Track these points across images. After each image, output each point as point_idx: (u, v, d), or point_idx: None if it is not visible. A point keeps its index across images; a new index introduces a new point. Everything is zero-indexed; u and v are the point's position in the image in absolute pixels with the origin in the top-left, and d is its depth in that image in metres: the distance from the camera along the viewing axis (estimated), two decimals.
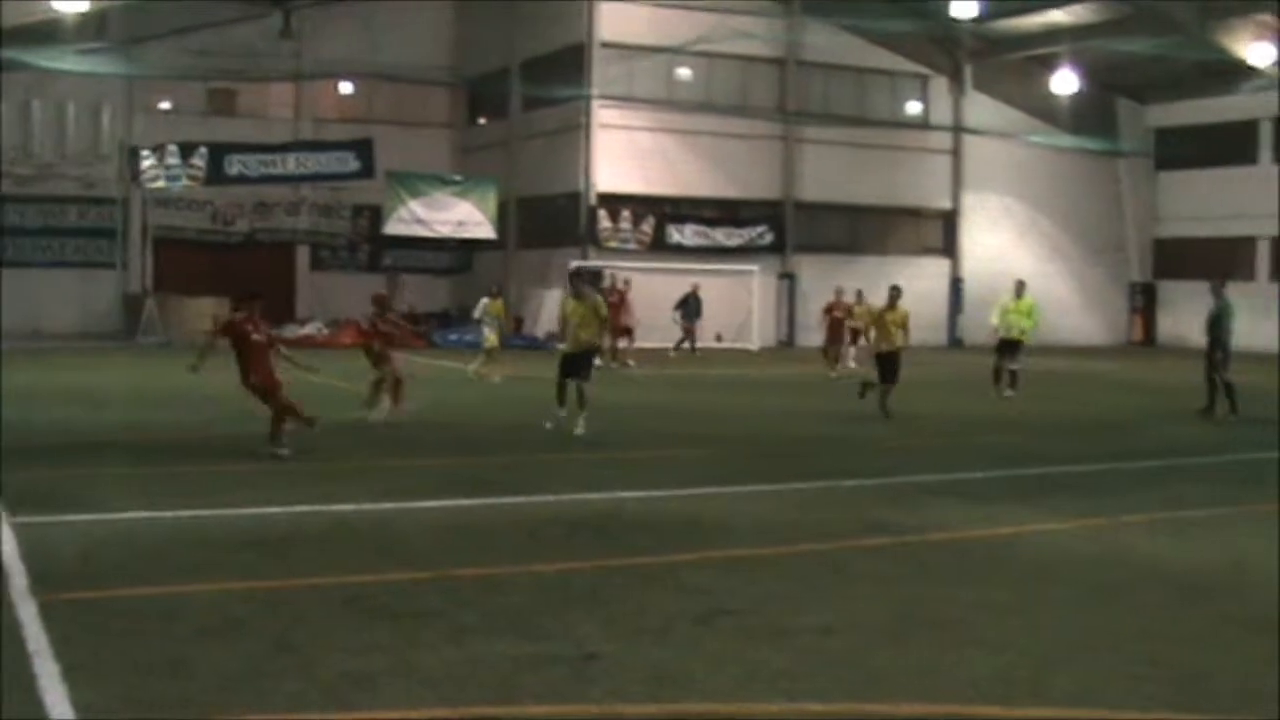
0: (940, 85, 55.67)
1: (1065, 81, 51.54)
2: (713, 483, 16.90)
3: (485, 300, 34.16)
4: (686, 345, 43.81)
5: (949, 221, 55.99)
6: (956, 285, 54.62)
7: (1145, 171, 59.61)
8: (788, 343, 51.47)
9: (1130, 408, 28.98)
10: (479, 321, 34.85)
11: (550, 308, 48.34)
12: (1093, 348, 54.66)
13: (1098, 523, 14.69)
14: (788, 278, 51.87)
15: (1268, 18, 46.83)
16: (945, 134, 55.45)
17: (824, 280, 46.78)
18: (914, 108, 56.11)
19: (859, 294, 38.55)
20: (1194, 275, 31.44)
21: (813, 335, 48.35)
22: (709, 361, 41.32)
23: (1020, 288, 31.22)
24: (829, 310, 38.44)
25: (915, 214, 55.52)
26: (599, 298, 23.13)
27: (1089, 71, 52.14)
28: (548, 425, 21.74)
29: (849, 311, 38.20)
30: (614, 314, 35.97)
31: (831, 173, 52.22)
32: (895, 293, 26.44)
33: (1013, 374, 30.20)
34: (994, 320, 30.89)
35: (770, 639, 9.54)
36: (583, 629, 9.63)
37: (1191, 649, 9.65)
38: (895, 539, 13.52)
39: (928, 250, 55.44)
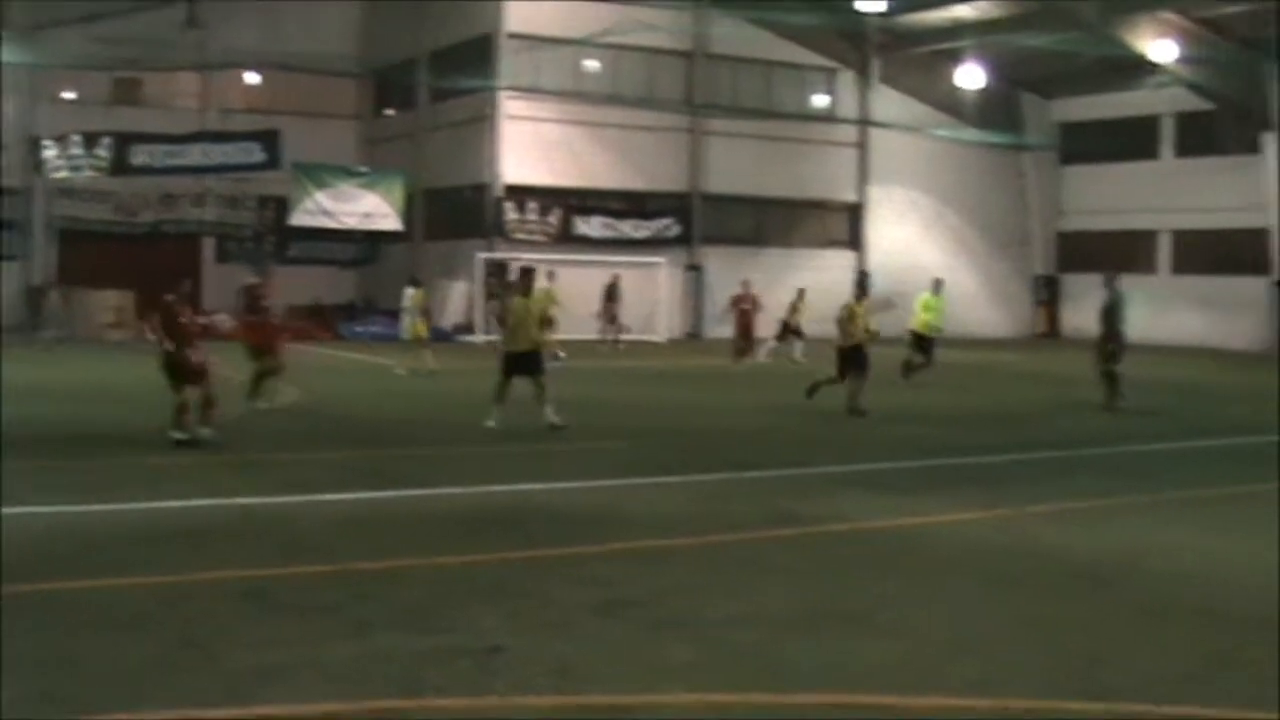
0: (847, 79, 55.89)
1: (971, 76, 51.80)
2: (622, 474, 16.97)
3: (410, 290, 33.94)
4: (611, 337, 43.85)
5: (855, 214, 56.22)
6: (862, 279, 54.65)
7: (1050, 166, 60.13)
8: (694, 335, 51.51)
9: (1035, 399, 29.23)
10: (404, 312, 34.59)
11: (456, 300, 48.35)
12: (998, 340, 55.01)
13: (1004, 513, 14.83)
14: (694, 269, 51.93)
15: (1170, 15, 47.32)
16: (852, 127, 55.67)
17: (731, 272, 46.88)
18: (821, 101, 56.26)
19: (801, 292, 38.54)
20: (1097, 268, 31.84)
21: (720, 327, 48.51)
22: (617, 353, 41.28)
23: (938, 285, 31.60)
24: (736, 303, 38.40)
25: (822, 206, 55.71)
26: (550, 293, 22.87)
27: (995, 66, 52.46)
28: (490, 424, 21.23)
29: (755, 303, 38.23)
30: None
31: (738, 165, 52.30)
32: (865, 280, 26.43)
33: (923, 365, 30.57)
34: (923, 315, 31.22)
35: (676, 630, 9.58)
36: (487, 622, 9.62)
37: (1091, 636, 9.79)
38: (804, 530, 13.60)
39: (834, 243, 55.59)
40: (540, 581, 10.97)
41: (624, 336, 44.15)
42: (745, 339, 37.59)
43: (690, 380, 33.41)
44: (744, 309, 37.85)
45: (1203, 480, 17.83)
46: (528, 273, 23.05)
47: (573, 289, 42.13)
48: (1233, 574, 12.01)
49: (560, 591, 10.62)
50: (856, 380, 24.98)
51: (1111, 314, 27.03)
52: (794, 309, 38.35)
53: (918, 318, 31.31)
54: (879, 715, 7.97)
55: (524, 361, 21.64)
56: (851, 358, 25.11)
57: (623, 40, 48.68)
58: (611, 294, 44.43)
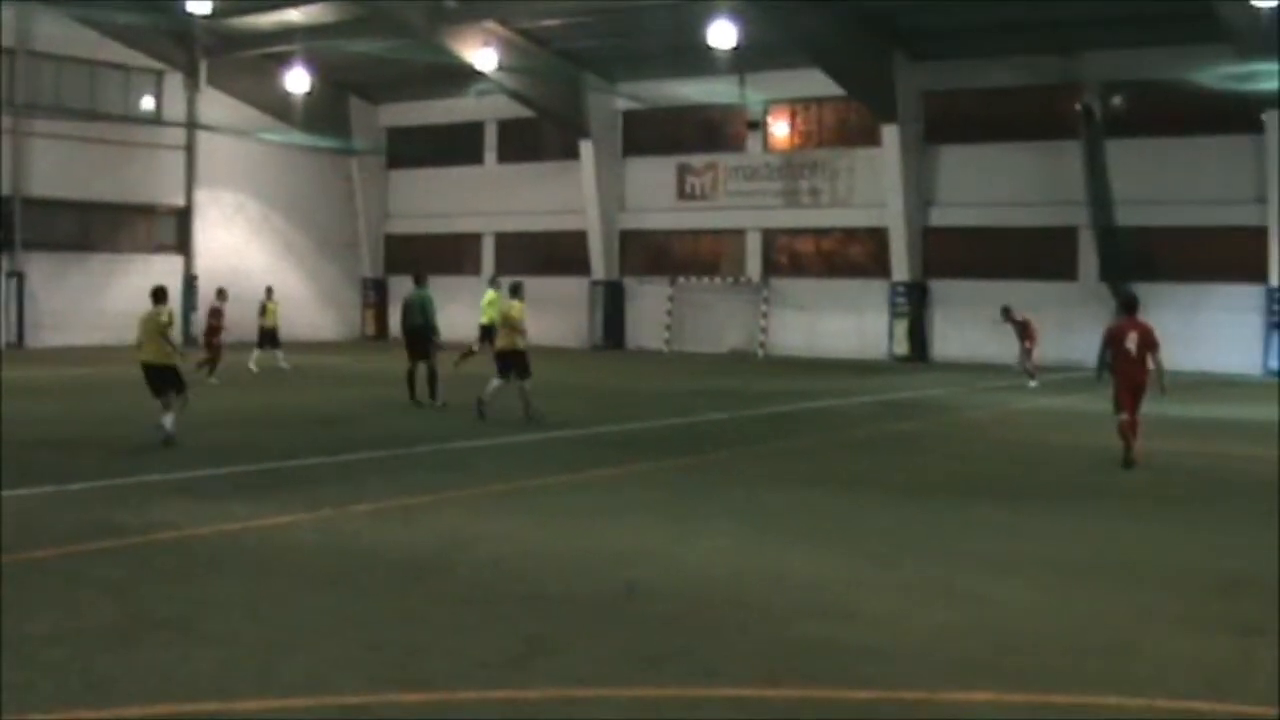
0: (175, 81, 55.08)
1: (298, 80, 52.04)
2: None
3: None
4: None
5: (183, 218, 55.47)
6: (191, 283, 54.12)
7: (377, 170, 61.25)
8: (17, 344, 49.48)
9: (361, 400, 29.72)
10: None
11: None
12: (326, 342, 55.48)
13: (325, 514, 15.29)
14: (15, 276, 50.06)
15: (493, 25, 48.79)
16: (179, 130, 54.92)
17: (55, 279, 45.68)
18: (148, 103, 55.29)
19: (268, 290, 39.09)
20: (427, 270, 32.80)
21: (45, 335, 47.45)
22: None
23: (498, 282, 34.50)
24: (212, 315, 36.62)
25: (149, 210, 54.68)
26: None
27: (323, 71, 52.91)
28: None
29: (220, 316, 36.76)
30: None
31: (63, 168, 50.76)
32: (517, 285, 26.61)
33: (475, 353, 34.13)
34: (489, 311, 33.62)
35: None
36: None
37: (413, 627, 10.31)
38: (123, 541, 13.60)
39: (161, 247, 54.62)
40: None
41: None
42: (213, 350, 36.00)
43: (21, 392, 31.98)
44: (213, 324, 36.35)
45: (522, 473, 18.82)
46: (161, 290, 22.30)
47: None
48: (548, 560, 12.88)
49: None
50: (522, 381, 25.40)
51: (412, 312, 28.31)
52: (267, 311, 38.72)
53: (485, 313, 34.06)
54: None
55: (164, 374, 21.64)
56: (515, 360, 25.48)
57: None
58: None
